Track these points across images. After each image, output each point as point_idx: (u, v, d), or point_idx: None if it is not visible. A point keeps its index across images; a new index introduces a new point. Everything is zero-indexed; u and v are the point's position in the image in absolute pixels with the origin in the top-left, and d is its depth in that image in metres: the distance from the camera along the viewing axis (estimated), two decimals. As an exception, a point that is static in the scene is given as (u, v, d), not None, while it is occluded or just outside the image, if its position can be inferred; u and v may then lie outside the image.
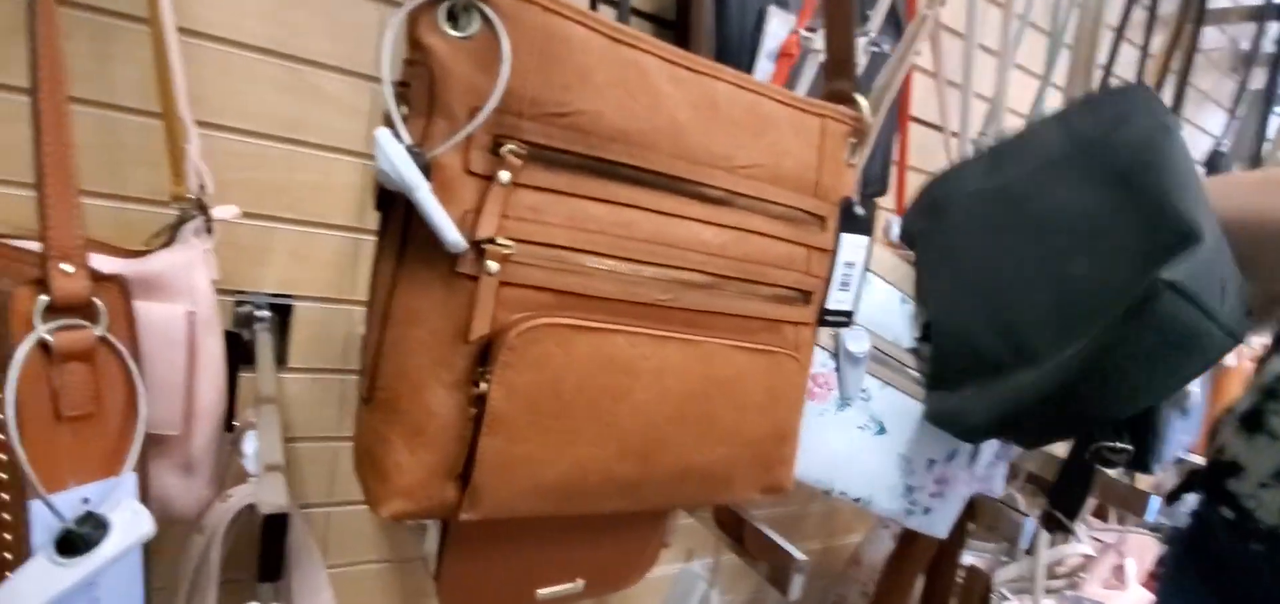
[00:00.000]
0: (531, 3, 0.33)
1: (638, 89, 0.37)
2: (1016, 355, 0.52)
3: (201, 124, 0.56)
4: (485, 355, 0.34)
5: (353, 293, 0.72)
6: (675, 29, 0.80)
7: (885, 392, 0.59)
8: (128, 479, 0.32)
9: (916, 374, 0.60)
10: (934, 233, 0.60)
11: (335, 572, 0.78)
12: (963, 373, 0.56)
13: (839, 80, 0.48)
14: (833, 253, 0.48)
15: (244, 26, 0.61)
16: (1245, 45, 1.10)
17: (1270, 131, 1.12)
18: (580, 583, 0.47)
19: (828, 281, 0.48)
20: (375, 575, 0.81)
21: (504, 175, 0.34)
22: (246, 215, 0.62)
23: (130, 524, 0.31)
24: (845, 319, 0.50)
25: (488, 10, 0.32)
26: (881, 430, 0.60)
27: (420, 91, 0.32)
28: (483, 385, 0.34)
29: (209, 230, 0.48)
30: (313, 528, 0.74)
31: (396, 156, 0.30)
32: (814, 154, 0.45)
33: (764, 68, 0.76)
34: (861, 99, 0.47)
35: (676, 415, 0.40)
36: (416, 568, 0.83)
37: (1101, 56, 1.08)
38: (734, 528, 0.64)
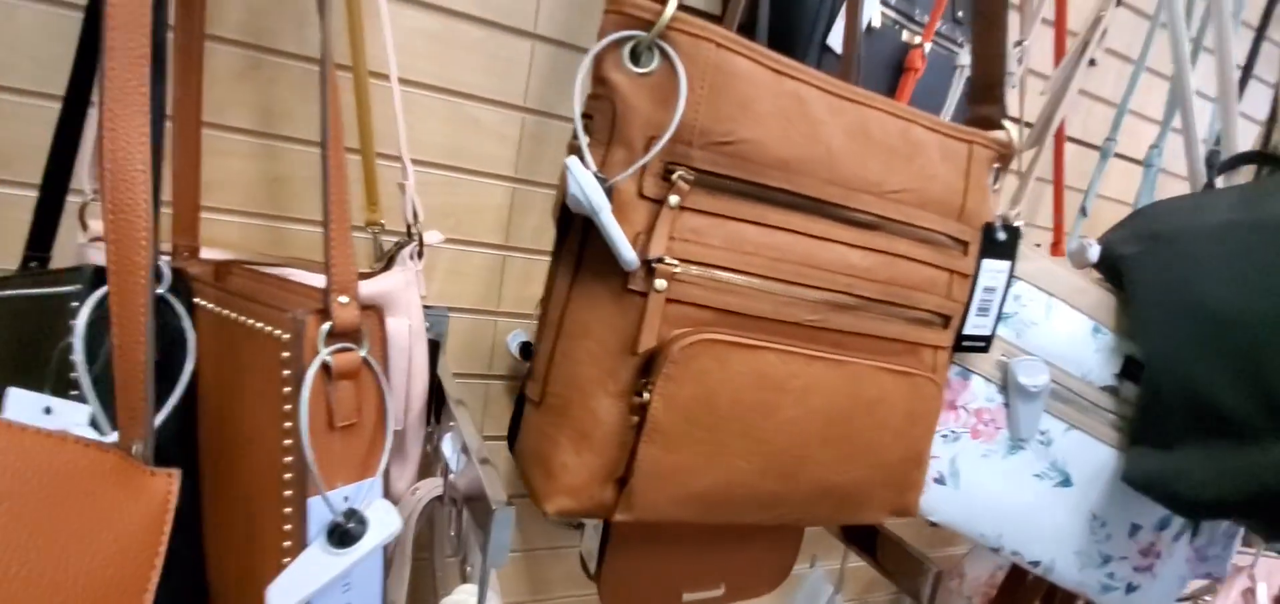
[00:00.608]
0: (706, 39, 0.35)
1: (797, 117, 0.38)
2: (1269, 416, 0.44)
3: (381, 156, 0.62)
4: (648, 367, 0.36)
5: (498, 305, 0.77)
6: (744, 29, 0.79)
7: (1070, 435, 0.51)
8: (379, 480, 0.37)
9: (1115, 417, 0.52)
10: (1155, 261, 0.51)
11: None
12: (1185, 431, 0.47)
13: (986, 104, 0.47)
14: (973, 278, 0.47)
15: (416, 66, 0.67)
16: None
17: None
18: (722, 588, 0.49)
19: (967, 306, 0.48)
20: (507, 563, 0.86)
21: (673, 199, 0.36)
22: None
23: (384, 520, 0.35)
24: (983, 345, 0.50)
25: (669, 49, 0.34)
26: (1066, 481, 0.52)
27: (603, 122, 0.35)
28: (645, 395, 0.36)
29: (420, 254, 0.53)
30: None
31: (586, 182, 0.33)
32: (961, 179, 0.45)
33: (841, 34, 0.74)
34: (1009, 124, 0.47)
35: (821, 434, 0.41)
36: (541, 557, 0.88)
37: (1239, 57, 1.00)
38: (865, 538, 0.61)
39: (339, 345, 0.34)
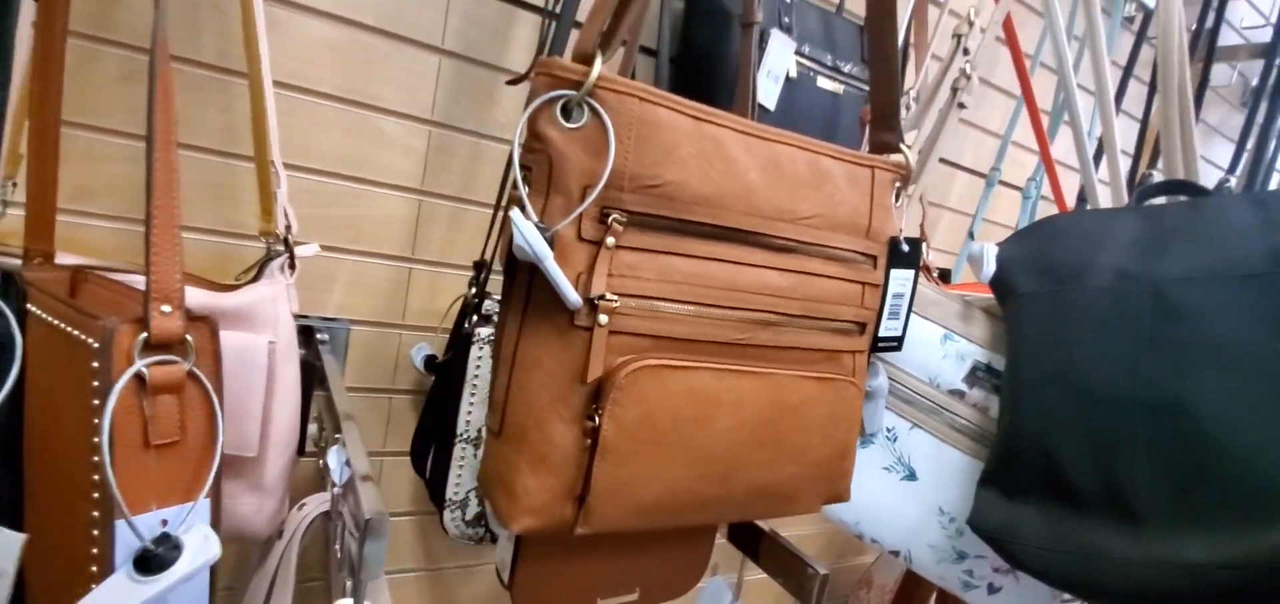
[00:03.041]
0: (630, 94, 0.39)
1: (715, 158, 0.43)
2: (1110, 504, 0.43)
3: (291, 167, 0.63)
4: (597, 394, 0.40)
5: (403, 318, 0.79)
6: (678, 63, 0.85)
7: (914, 433, 0.55)
8: (202, 505, 0.35)
9: (963, 421, 0.54)
10: (1040, 310, 0.49)
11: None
12: (1031, 487, 0.47)
13: (884, 132, 0.53)
14: (883, 287, 0.53)
15: (322, 77, 0.69)
16: (1254, 81, 1.14)
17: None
18: (636, 593, 0.52)
19: (880, 312, 0.53)
20: (413, 583, 0.87)
21: (610, 241, 0.40)
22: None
23: (201, 548, 0.34)
24: (896, 344, 0.56)
25: (597, 105, 0.38)
26: (911, 476, 0.55)
27: (541, 174, 0.39)
28: (596, 419, 0.40)
29: (292, 266, 0.53)
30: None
31: (529, 233, 0.36)
32: (866, 201, 0.50)
33: (765, 87, 0.81)
34: (906, 149, 0.53)
35: (753, 440, 0.45)
36: (448, 576, 0.90)
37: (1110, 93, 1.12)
38: (751, 544, 0.64)
39: (158, 357, 0.33)
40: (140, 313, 0.33)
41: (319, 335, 0.71)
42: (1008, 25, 0.78)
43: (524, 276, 0.40)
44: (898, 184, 0.53)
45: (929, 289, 0.57)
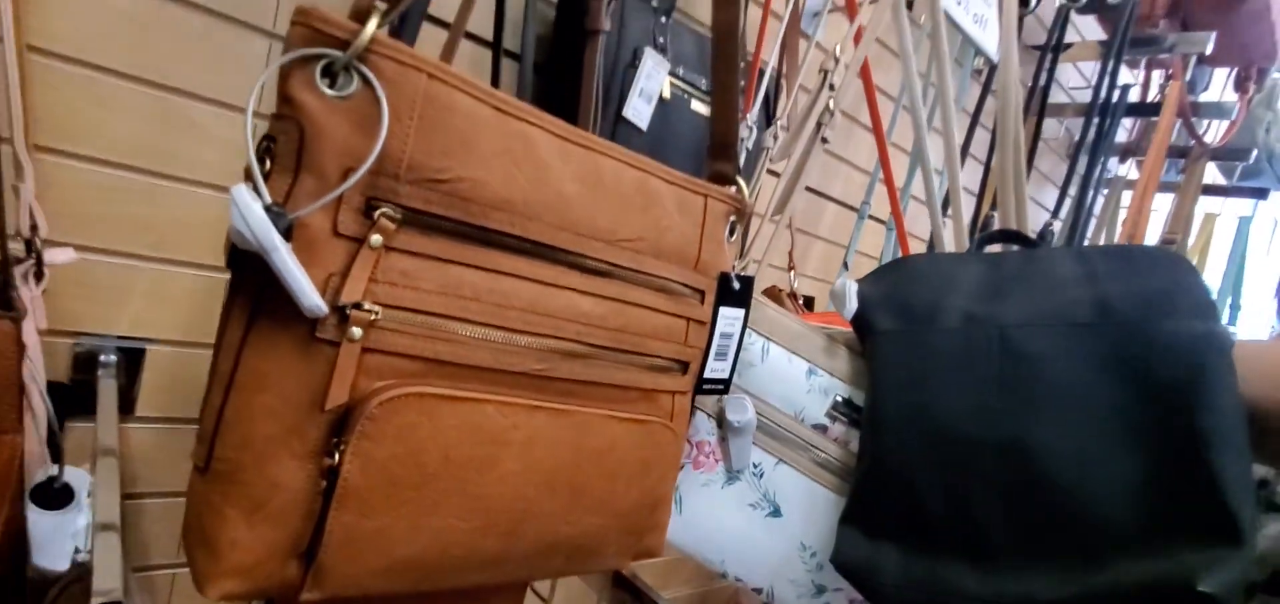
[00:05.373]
0: (416, 69, 0.33)
1: (523, 160, 0.37)
2: (966, 542, 0.45)
3: (50, 150, 0.50)
4: (342, 425, 0.32)
5: (212, 336, 0.67)
6: (545, 71, 0.80)
7: (779, 469, 0.54)
8: None
9: (826, 456, 0.54)
10: (899, 350, 0.50)
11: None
12: (889, 522, 0.48)
13: (722, 162, 0.50)
14: (711, 325, 0.49)
15: (108, 50, 0.56)
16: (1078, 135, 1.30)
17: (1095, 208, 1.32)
18: None
19: (706, 352, 0.50)
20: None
21: (375, 239, 0.32)
22: (102, 252, 0.56)
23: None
24: (722, 387, 0.52)
25: (368, 73, 0.31)
26: (776, 512, 0.54)
27: (287, 148, 0.31)
28: (336, 457, 0.32)
29: (39, 276, 0.43)
30: (156, 592, 0.67)
31: (252, 216, 0.28)
32: (696, 230, 0.47)
33: (637, 106, 0.78)
34: (742, 181, 0.50)
35: (546, 486, 0.39)
36: None
37: (959, 138, 1.22)
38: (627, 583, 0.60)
39: None
40: None
41: (102, 358, 0.58)
42: (865, 70, 0.80)
43: (254, 274, 0.31)
44: (733, 217, 0.50)
45: (795, 322, 0.56)
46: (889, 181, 0.86)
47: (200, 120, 0.60)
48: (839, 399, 0.55)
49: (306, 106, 0.31)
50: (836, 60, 0.64)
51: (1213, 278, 1.55)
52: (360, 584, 0.34)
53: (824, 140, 0.64)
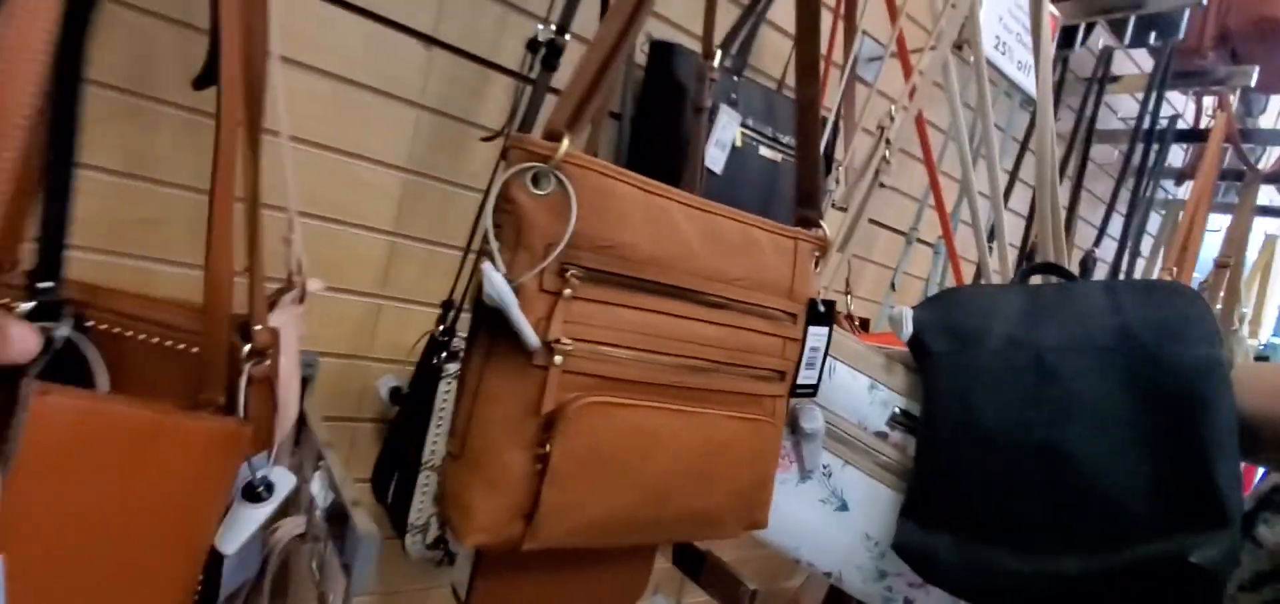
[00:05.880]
0: (592, 170, 0.46)
1: (662, 225, 0.50)
2: (1003, 530, 0.52)
3: (267, 205, 0.67)
4: (549, 425, 0.46)
5: (370, 351, 0.83)
6: (637, 126, 0.91)
7: (846, 470, 0.62)
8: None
9: (887, 458, 0.62)
10: (949, 368, 0.58)
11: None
12: (942, 515, 0.55)
13: (807, 209, 0.61)
14: (802, 341, 0.61)
15: (305, 126, 0.73)
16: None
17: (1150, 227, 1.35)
18: None
19: (798, 363, 0.61)
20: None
21: (567, 292, 0.46)
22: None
23: (284, 479, 0.49)
24: (811, 390, 0.63)
25: (563, 177, 0.45)
26: (844, 506, 0.62)
27: (510, 232, 0.45)
28: (547, 448, 0.45)
29: (301, 300, 0.59)
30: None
31: (499, 284, 0.42)
32: (789, 266, 0.58)
33: (713, 155, 0.90)
34: (824, 225, 0.61)
35: (684, 471, 0.52)
36: (404, 598, 0.92)
37: (1009, 163, 1.27)
38: (693, 565, 0.70)
39: (256, 361, 0.47)
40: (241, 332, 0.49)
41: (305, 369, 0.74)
42: (920, 124, 0.89)
43: (490, 318, 0.45)
44: (817, 254, 0.61)
45: (857, 343, 0.65)
46: (941, 211, 0.94)
47: (364, 177, 0.76)
48: (897, 410, 0.63)
49: (521, 203, 0.44)
50: (893, 119, 0.74)
51: (1277, 296, 1.54)
52: (560, 539, 0.47)
53: (882, 185, 0.74)
